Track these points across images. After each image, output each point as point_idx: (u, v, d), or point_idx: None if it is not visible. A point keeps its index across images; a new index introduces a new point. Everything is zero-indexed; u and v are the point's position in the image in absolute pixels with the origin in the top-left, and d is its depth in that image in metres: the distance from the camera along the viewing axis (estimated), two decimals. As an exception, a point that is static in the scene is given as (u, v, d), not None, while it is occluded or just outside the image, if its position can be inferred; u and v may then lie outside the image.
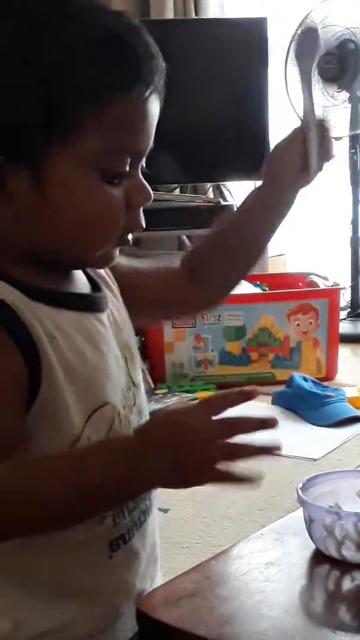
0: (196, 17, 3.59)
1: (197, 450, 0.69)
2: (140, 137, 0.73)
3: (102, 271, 0.85)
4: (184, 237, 3.72)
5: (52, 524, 0.72)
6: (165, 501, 2.02)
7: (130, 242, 0.78)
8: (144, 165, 0.77)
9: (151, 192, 0.76)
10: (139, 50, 0.71)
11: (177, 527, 1.94)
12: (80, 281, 0.80)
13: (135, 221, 0.76)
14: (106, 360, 0.77)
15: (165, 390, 2.71)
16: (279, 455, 2.57)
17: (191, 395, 2.67)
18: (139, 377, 0.84)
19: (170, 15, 3.56)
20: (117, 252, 0.78)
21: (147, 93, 0.72)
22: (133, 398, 0.81)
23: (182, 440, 0.69)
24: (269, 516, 1.92)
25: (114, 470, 0.69)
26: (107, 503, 0.73)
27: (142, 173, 0.76)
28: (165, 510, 1.99)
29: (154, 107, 0.74)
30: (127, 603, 0.80)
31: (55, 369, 0.71)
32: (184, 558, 1.78)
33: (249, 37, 3.32)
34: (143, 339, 2.82)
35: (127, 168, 0.73)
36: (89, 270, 0.83)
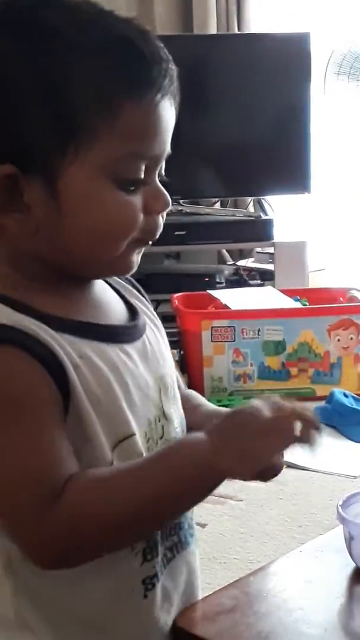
0: (239, 32, 3.60)
1: (269, 431, 0.71)
2: (153, 142, 0.72)
3: (147, 306, 0.85)
4: (224, 251, 3.72)
5: (128, 540, 0.73)
6: (203, 516, 2.01)
7: (150, 245, 0.77)
8: (163, 173, 0.76)
9: (169, 198, 0.75)
10: (147, 55, 0.70)
11: (214, 542, 1.93)
12: (113, 309, 0.80)
13: (153, 228, 0.75)
14: (130, 392, 0.76)
15: (203, 404, 2.70)
16: (319, 471, 2.56)
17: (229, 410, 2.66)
18: (172, 410, 0.82)
19: (213, 30, 3.57)
20: (137, 258, 0.77)
21: (158, 98, 0.71)
22: (161, 430, 0.80)
23: (255, 429, 0.71)
24: (307, 533, 1.91)
25: (190, 476, 0.71)
26: (181, 509, 0.75)
27: (161, 181, 0.76)
28: (203, 525, 1.98)
29: (167, 111, 0.73)
30: None
31: (81, 395, 0.71)
32: (222, 574, 1.77)
33: (291, 52, 3.31)
34: (182, 352, 2.82)
35: (142, 175, 0.72)
36: (129, 298, 0.83)
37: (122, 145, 0.70)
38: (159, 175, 0.75)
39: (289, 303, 2.95)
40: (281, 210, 3.62)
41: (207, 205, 3.57)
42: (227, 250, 3.71)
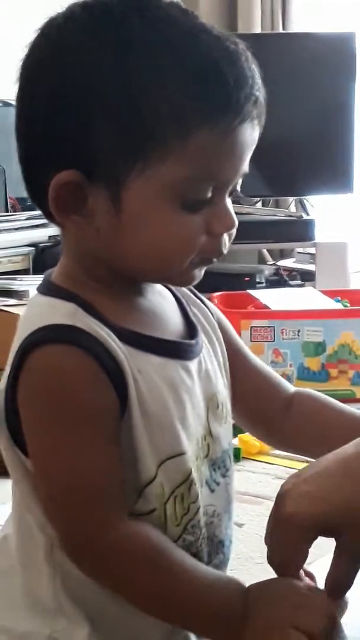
0: (284, 32, 3.59)
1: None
2: (225, 167, 0.71)
3: (206, 317, 0.84)
4: (265, 251, 3.72)
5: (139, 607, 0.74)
6: (240, 516, 2.01)
7: (212, 262, 0.76)
8: (238, 189, 0.75)
9: (234, 220, 0.73)
10: (231, 81, 0.69)
11: (251, 542, 1.92)
12: (171, 322, 0.79)
13: (217, 248, 0.73)
14: (186, 410, 0.76)
15: (242, 404, 2.69)
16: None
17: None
18: (219, 429, 0.81)
19: (257, 29, 3.57)
20: (200, 273, 0.76)
21: (236, 123, 0.69)
22: (207, 449, 0.79)
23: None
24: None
25: (212, 620, 0.72)
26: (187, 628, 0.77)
27: (235, 197, 0.75)
28: (240, 525, 1.97)
29: (246, 135, 0.71)
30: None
31: (136, 409, 0.71)
32: (258, 574, 1.76)
33: (336, 51, 3.30)
34: (221, 351, 2.82)
35: (209, 195, 0.71)
36: (190, 314, 0.82)
37: (191, 168, 0.69)
38: (232, 192, 0.74)
39: (330, 304, 2.93)
40: (323, 210, 3.60)
41: (249, 205, 3.56)
42: (267, 250, 3.70)
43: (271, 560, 0.75)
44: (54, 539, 0.74)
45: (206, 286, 3.15)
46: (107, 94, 0.68)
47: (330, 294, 3.01)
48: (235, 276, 3.32)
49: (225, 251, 0.75)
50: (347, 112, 3.30)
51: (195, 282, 0.77)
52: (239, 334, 3.05)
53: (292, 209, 3.66)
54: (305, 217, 3.45)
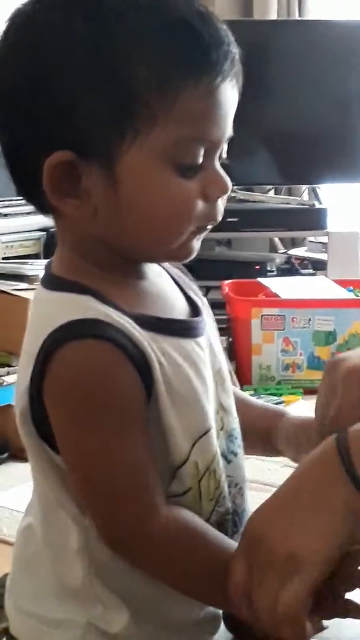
0: (300, 19, 3.56)
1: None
2: (212, 126, 0.71)
3: (199, 295, 0.85)
4: (276, 239, 3.70)
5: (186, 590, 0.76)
6: (249, 504, 2.00)
7: (207, 231, 0.77)
8: (224, 155, 0.75)
9: (229, 183, 0.74)
10: (206, 38, 0.69)
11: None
12: (178, 304, 0.80)
13: (212, 213, 0.74)
14: (207, 385, 0.77)
15: (251, 392, 2.69)
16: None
17: (277, 398, 2.65)
18: (229, 401, 0.82)
19: (273, 15, 3.54)
20: (197, 244, 0.76)
21: (217, 81, 0.70)
22: (221, 422, 0.80)
23: None
24: None
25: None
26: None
27: (222, 164, 0.75)
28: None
29: (228, 95, 0.71)
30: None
31: (162, 393, 0.71)
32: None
33: (352, 39, 3.27)
34: (231, 339, 2.82)
35: (201, 160, 0.71)
36: (190, 292, 0.82)
37: (181, 130, 0.69)
38: (220, 157, 0.74)
39: (341, 293, 2.92)
40: (336, 199, 3.58)
41: (261, 193, 3.55)
42: (279, 239, 3.68)
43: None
44: (89, 531, 0.74)
45: (217, 274, 3.17)
46: (83, 67, 0.68)
47: (342, 283, 2.99)
48: (246, 264, 3.31)
49: (220, 217, 0.75)
50: (362, 100, 3.28)
51: (194, 254, 0.77)
52: (250, 322, 3.04)
53: (305, 197, 3.65)
54: (317, 205, 3.43)
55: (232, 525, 0.81)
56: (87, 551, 0.75)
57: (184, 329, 0.76)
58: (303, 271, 3.44)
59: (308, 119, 3.32)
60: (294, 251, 3.64)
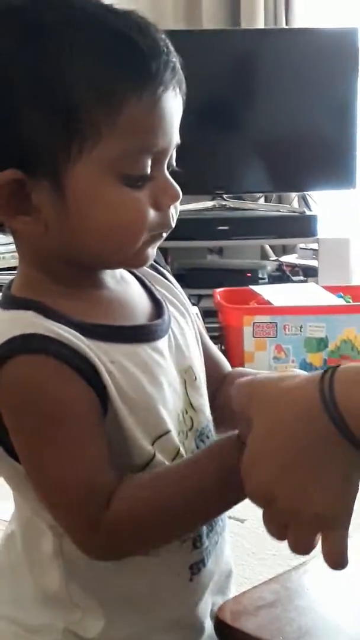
0: (287, 27, 3.58)
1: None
2: (158, 136, 0.71)
3: (171, 291, 0.84)
4: (267, 247, 3.71)
5: (176, 535, 0.75)
6: (242, 511, 2.00)
7: (163, 238, 0.76)
8: (174, 163, 0.75)
9: (177, 190, 0.73)
10: (145, 50, 0.68)
11: (253, 538, 1.92)
12: (139, 308, 0.79)
13: (165, 222, 0.74)
14: (164, 389, 0.76)
15: (244, 400, 2.69)
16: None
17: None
18: (200, 400, 0.81)
19: (261, 24, 3.55)
20: (153, 251, 0.76)
21: (159, 91, 0.69)
22: (190, 422, 0.80)
23: None
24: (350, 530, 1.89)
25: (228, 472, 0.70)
26: (225, 505, 0.75)
27: (172, 172, 0.75)
28: (242, 521, 1.97)
29: (171, 103, 0.71)
30: (207, 620, 0.81)
31: (117, 400, 0.72)
32: (260, 569, 1.77)
33: (339, 47, 3.28)
34: (223, 347, 2.82)
35: (149, 170, 0.71)
36: (155, 292, 0.82)
37: (126, 142, 0.69)
38: (169, 165, 0.74)
39: (332, 300, 2.93)
40: (326, 206, 3.59)
41: (251, 200, 3.55)
42: (270, 246, 3.69)
43: None
44: (64, 536, 0.74)
45: (208, 282, 3.18)
46: (24, 83, 0.67)
47: (333, 289, 3.00)
48: (238, 272, 3.32)
49: (173, 224, 0.75)
50: (350, 107, 3.29)
51: (151, 261, 0.77)
52: (241, 330, 3.05)
53: (295, 204, 3.66)
54: (307, 212, 3.44)
55: (207, 524, 0.80)
56: (62, 556, 0.76)
57: (137, 335, 0.76)
58: (294, 278, 3.44)
59: (296, 126, 3.34)
60: (285, 258, 3.65)
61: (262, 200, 3.65)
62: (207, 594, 0.81)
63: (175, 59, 0.71)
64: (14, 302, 0.74)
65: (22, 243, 0.76)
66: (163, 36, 0.71)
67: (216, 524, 0.82)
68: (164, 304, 0.82)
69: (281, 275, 3.47)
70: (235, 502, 0.73)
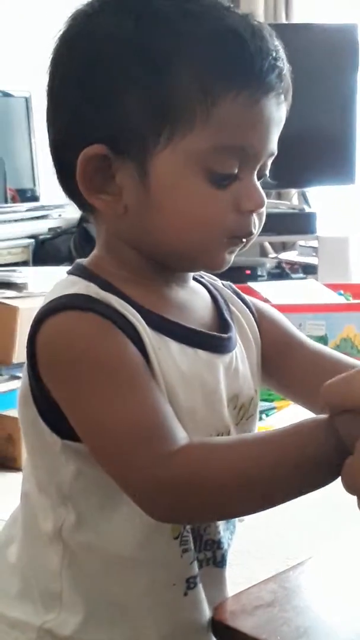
0: (287, 22, 3.57)
1: None
2: (250, 138, 0.70)
3: (247, 319, 0.82)
4: (266, 244, 3.70)
5: (240, 504, 0.67)
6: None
7: (245, 247, 0.75)
8: (267, 173, 0.74)
9: (263, 198, 0.72)
10: (252, 49, 0.68)
11: (251, 536, 1.92)
12: (200, 315, 0.78)
13: (246, 227, 0.72)
14: (194, 400, 0.73)
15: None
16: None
17: (269, 404, 2.65)
18: (244, 428, 0.78)
19: (260, 19, 3.54)
20: (229, 257, 0.75)
21: (259, 93, 0.69)
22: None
23: None
24: (346, 529, 1.88)
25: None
26: (302, 485, 0.67)
27: (264, 183, 0.74)
28: (240, 520, 1.97)
29: (270, 110, 0.70)
30: None
31: (156, 372, 0.70)
32: (258, 568, 1.76)
33: (339, 43, 3.28)
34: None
35: (236, 171, 0.70)
36: (226, 313, 0.80)
37: (217, 137, 0.68)
38: (262, 175, 0.74)
39: (332, 297, 2.92)
40: (325, 203, 3.59)
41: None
42: (269, 243, 3.68)
43: None
44: (66, 520, 0.73)
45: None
46: (129, 66, 0.69)
47: (333, 287, 3.00)
48: (237, 269, 3.31)
49: (255, 232, 0.73)
50: (350, 103, 3.29)
51: (226, 267, 0.75)
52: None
53: (295, 201, 3.65)
54: (307, 209, 3.44)
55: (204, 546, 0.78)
56: (61, 538, 0.74)
57: (189, 337, 0.74)
58: (293, 275, 3.44)
59: (296, 122, 3.30)
60: (285, 255, 3.64)
61: (261, 197, 3.64)
62: (201, 618, 0.78)
63: (283, 65, 0.71)
64: (80, 270, 0.75)
65: (99, 224, 0.76)
66: (276, 42, 0.71)
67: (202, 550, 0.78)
68: (232, 324, 0.79)
69: (280, 273, 3.46)
70: (314, 487, 0.67)
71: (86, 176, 0.71)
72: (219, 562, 0.80)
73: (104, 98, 0.70)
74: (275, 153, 0.74)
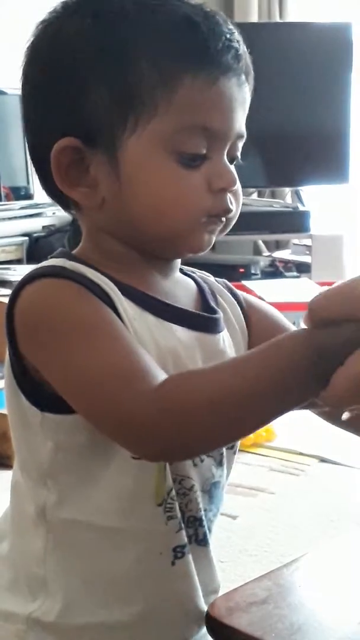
0: (280, 21, 3.57)
1: None
2: (212, 117, 0.72)
3: (234, 312, 0.83)
4: (260, 242, 3.70)
5: (233, 425, 0.65)
6: (234, 508, 2.00)
7: (227, 227, 0.76)
8: (238, 155, 0.76)
9: (234, 176, 0.74)
10: (206, 32, 0.71)
11: (245, 534, 1.92)
12: (183, 300, 0.78)
13: (221, 205, 0.74)
14: (166, 372, 0.71)
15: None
16: (353, 467, 2.51)
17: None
18: None
19: (254, 18, 3.55)
20: (209, 237, 0.75)
21: (217, 73, 0.71)
22: None
23: None
24: (340, 528, 1.89)
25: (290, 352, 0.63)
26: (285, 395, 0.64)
27: (236, 165, 0.75)
28: (233, 517, 1.97)
29: (231, 89, 0.72)
30: (188, 626, 0.79)
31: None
32: (252, 566, 1.77)
33: (333, 41, 3.28)
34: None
35: (204, 151, 0.72)
36: (212, 303, 0.80)
37: (180, 119, 0.71)
38: (234, 158, 0.75)
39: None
40: (319, 202, 3.59)
41: (244, 195, 3.54)
42: (263, 242, 3.69)
43: None
44: (48, 500, 0.74)
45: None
46: (91, 59, 0.71)
47: (327, 285, 3.00)
48: (230, 267, 3.32)
49: (232, 208, 0.74)
50: (343, 102, 3.29)
51: (207, 248, 0.76)
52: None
53: (288, 200, 3.65)
54: (301, 208, 3.44)
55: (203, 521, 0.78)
56: (45, 519, 0.75)
57: (167, 311, 0.75)
58: (287, 274, 3.44)
59: (290, 121, 3.33)
60: (278, 254, 3.65)
61: (255, 196, 3.65)
62: (190, 592, 0.78)
63: (240, 47, 0.73)
64: (61, 253, 0.76)
65: (81, 217, 0.78)
66: (231, 26, 0.73)
67: (204, 521, 0.78)
68: (217, 310, 0.80)
69: (274, 271, 3.46)
70: (294, 403, 0.64)
71: (61, 169, 0.73)
72: (201, 540, 0.79)
73: (71, 93, 0.72)
74: (244, 135, 0.75)
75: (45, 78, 0.74)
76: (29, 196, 3.52)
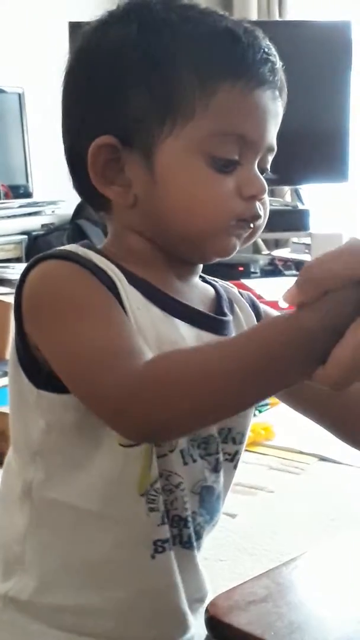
0: (280, 19, 3.57)
1: None
2: (246, 125, 0.75)
3: (248, 320, 0.83)
4: (259, 241, 3.70)
5: (215, 407, 0.65)
6: (234, 507, 2.00)
7: (253, 235, 0.78)
8: (268, 167, 0.79)
9: (265, 185, 0.77)
10: (245, 44, 0.75)
11: (244, 533, 1.92)
12: (191, 300, 0.79)
13: (250, 211, 0.76)
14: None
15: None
16: (352, 465, 2.52)
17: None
18: None
19: (254, 16, 3.55)
20: (235, 242, 0.77)
21: (253, 83, 0.74)
22: None
23: None
24: (339, 527, 1.89)
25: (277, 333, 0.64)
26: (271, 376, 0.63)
27: (265, 177, 0.77)
28: (232, 516, 1.97)
29: (265, 101, 0.76)
30: (171, 623, 0.79)
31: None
32: (251, 565, 1.77)
33: (332, 40, 3.28)
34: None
35: (237, 157, 0.75)
36: (227, 310, 0.81)
37: (215, 124, 0.74)
38: (263, 169, 0.78)
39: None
40: (318, 200, 3.59)
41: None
42: (262, 240, 3.69)
43: None
44: (34, 480, 0.76)
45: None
46: (134, 64, 0.75)
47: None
48: (230, 266, 3.31)
49: (261, 215, 0.76)
50: (343, 100, 3.29)
51: (232, 253, 0.78)
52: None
53: (288, 198, 3.65)
54: (300, 206, 3.44)
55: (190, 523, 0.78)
56: (30, 497, 0.77)
57: (172, 306, 0.76)
58: (286, 272, 3.44)
59: (289, 119, 3.31)
60: (278, 252, 3.65)
61: (254, 194, 3.64)
62: (170, 589, 0.78)
63: (276, 62, 0.77)
64: (84, 244, 0.78)
65: (110, 218, 0.80)
66: (269, 43, 0.77)
67: (190, 522, 0.78)
68: (227, 314, 0.81)
69: (273, 270, 3.47)
70: (284, 380, 0.64)
71: (97, 167, 0.76)
72: (185, 542, 0.79)
73: (113, 94, 0.76)
74: (275, 149, 0.79)
75: (90, 79, 0.77)
76: (28, 194, 3.52)
